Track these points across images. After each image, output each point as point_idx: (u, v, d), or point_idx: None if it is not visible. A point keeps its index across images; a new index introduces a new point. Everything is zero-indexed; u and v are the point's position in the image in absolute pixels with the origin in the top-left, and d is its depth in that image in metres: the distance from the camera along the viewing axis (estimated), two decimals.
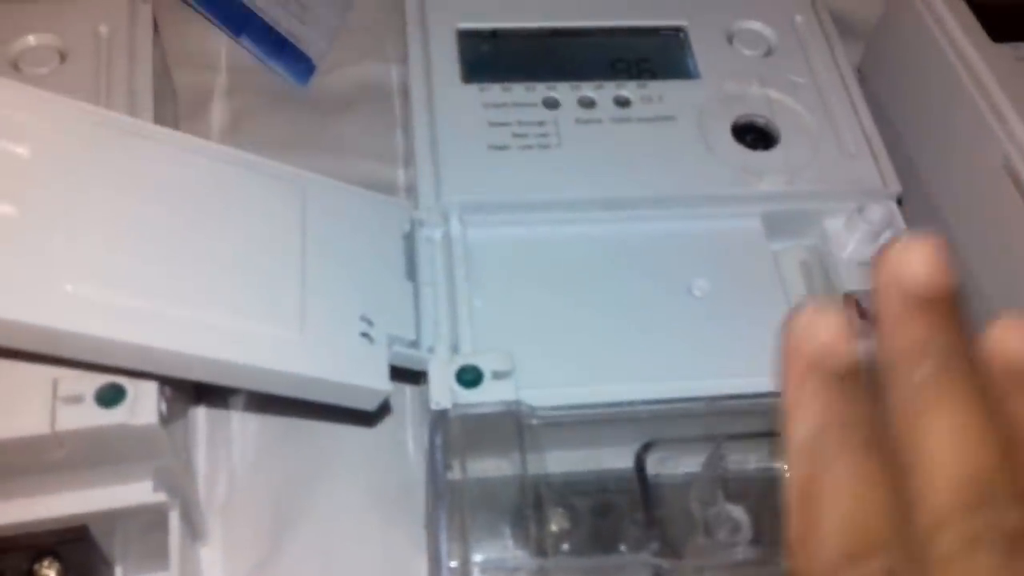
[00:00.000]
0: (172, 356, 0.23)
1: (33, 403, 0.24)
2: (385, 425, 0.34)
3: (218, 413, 0.34)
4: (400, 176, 0.42)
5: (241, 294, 0.25)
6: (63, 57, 0.32)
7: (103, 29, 0.33)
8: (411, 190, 0.40)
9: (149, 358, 0.23)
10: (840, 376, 0.16)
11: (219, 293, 0.24)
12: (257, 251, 0.26)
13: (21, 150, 0.23)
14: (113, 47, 0.32)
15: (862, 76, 0.39)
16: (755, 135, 0.33)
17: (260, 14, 0.44)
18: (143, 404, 0.25)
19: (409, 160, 0.39)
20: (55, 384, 0.25)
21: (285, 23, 0.45)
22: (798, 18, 0.36)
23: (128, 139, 0.26)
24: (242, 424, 0.34)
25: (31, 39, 0.32)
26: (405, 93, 0.39)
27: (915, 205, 0.35)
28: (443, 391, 0.26)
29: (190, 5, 0.43)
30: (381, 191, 0.41)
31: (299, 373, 0.24)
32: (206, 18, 0.44)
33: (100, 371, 0.24)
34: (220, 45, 0.44)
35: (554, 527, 0.26)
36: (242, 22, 0.44)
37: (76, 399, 0.24)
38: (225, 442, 0.34)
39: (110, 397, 0.24)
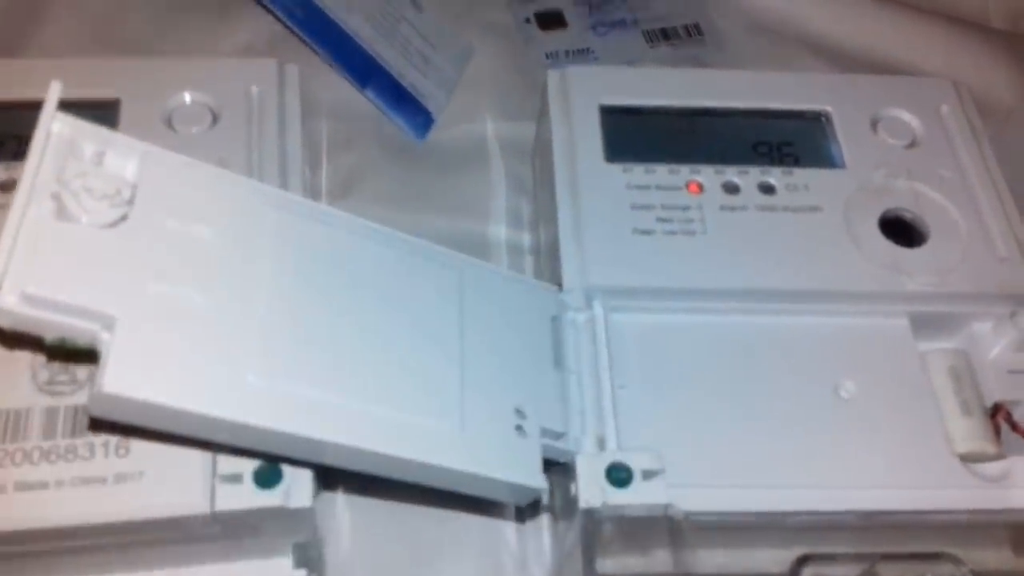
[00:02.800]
0: (344, 450, 0.23)
1: (193, 481, 0.25)
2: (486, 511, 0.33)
3: (325, 495, 0.34)
4: (514, 238, 0.41)
5: (405, 387, 0.25)
6: (216, 117, 0.32)
7: (254, 90, 0.33)
8: (536, 254, 0.39)
9: (320, 450, 0.23)
10: None
11: (385, 386, 0.24)
12: (419, 342, 0.25)
13: (203, 232, 0.23)
14: (264, 109, 0.33)
15: None
16: (902, 230, 0.33)
17: (386, 66, 0.44)
18: (299, 487, 0.25)
19: (536, 224, 0.39)
20: (215, 462, 0.25)
21: (408, 76, 0.45)
22: (944, 108, 0.36)
23: (296, 220, 0.26)
24: (347, 505, 0.33)
25: (186, 97, 0.32)
26: (535, 159, 0.39)
27: None
28: (593, 490, 0.26)
29: (319, 56, 0.44)
30: (489, 252, 0.41)
31: (458, 469, 0.24)
32: (334, 68, 0.44)
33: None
34: (342, 94, 0.44)
35: None
36: (368, 73, 0.44)
37: (235, 478, 0.24)
38: (332, 522, 0.33)
39: (267, 478, 0.25)
